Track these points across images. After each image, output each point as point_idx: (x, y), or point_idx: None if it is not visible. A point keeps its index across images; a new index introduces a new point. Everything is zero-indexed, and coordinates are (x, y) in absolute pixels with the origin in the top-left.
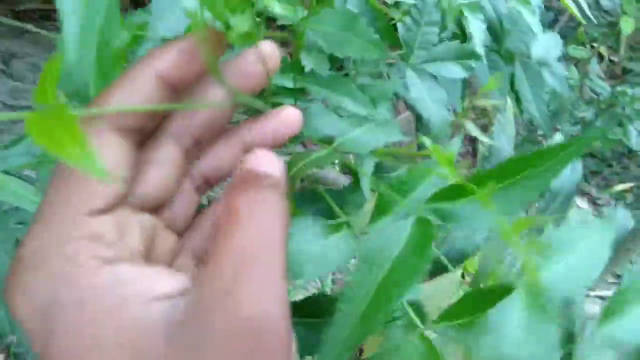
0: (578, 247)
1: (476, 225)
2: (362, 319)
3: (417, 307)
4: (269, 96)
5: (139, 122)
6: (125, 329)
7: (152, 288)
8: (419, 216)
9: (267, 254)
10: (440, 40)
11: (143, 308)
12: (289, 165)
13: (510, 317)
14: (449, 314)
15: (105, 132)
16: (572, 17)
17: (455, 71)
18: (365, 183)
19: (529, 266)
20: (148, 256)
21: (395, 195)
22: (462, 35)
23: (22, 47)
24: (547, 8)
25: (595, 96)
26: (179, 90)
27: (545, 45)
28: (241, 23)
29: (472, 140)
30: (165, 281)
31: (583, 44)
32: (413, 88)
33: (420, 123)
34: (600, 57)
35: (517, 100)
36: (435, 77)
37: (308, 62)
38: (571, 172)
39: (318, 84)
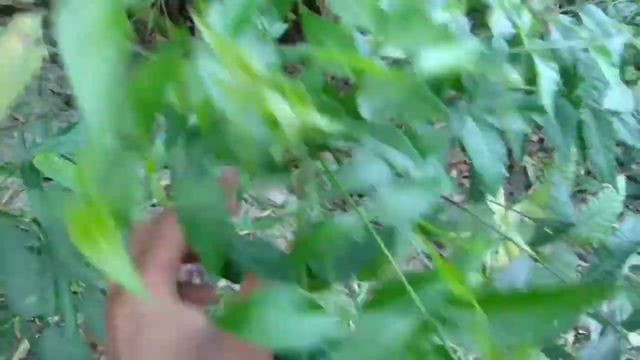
0: None
1: (469, 339)
2: None
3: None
4: (319, 138)
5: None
6: (177, 341)
7: (192, 320)
8: (421, 320)
9: None
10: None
11: (187, 331)
12: (305, 235)
13: None
14: None
15: None
16: None
17: (517, 123)
18: (400, 252)
19: None
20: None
21: (407, 289)
22: (531, 79)
23: None
24: None
25: None
26: None
27: (620, 95)
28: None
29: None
30: (198, 317)
31: (630, 65)
32: (471, 138)
33: (474, 174)
34: None
35: (582, 148)
36: (496, 128)
37: (366, 108)
38: (632, 231)
39: (369, 132)
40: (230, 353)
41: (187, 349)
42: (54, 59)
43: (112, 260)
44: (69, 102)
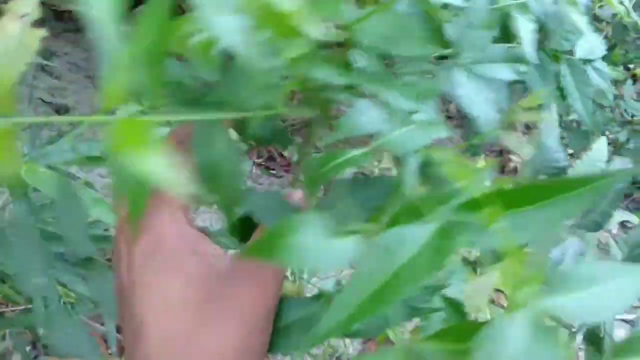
0: (601, 284)
1: (487, 241)
2: (362, 304)
3: (457, 305)
4: (319, 92)
5: None
6: (197, 267)
7: (213, 250)
8: (442, 225)
9: None
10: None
11: (207, 260)
12: (320, 164)
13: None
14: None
15: None
16: (607, 38)
17: (504, 73)
18: (409, 180)
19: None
20: None
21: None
22: (506, 36)
23: (62, 46)
24: None
25: (629, 118)
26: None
27: (590, 44)
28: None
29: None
30: (217, 248)
31: (619, 65)
32: (461, 87)
33: (468, 123)
34: (635, 78)
35: (562, 98)
36: (483, 79)
37: (359, 60)
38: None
39: (365, 80)
40: (245, 287)
41: (208, 277)
42: (44, 68)
43: (154, 164)
44: (59, 111)
